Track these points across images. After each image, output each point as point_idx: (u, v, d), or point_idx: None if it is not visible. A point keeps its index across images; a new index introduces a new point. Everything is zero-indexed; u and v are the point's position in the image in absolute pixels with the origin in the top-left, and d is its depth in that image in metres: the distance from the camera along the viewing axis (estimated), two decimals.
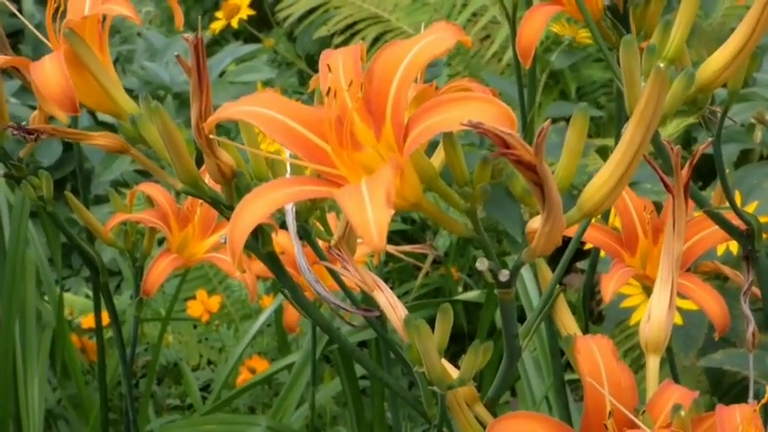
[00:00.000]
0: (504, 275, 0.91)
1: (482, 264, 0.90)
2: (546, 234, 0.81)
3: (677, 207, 1.05)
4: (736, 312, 2.23)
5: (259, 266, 1.72)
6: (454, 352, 1.05)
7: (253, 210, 0.79)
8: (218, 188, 1.08)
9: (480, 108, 0.76)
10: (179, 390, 2.87)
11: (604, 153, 2.99)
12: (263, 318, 2.44)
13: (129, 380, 1.74)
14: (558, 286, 1.06)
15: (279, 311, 2.55)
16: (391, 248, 1.93)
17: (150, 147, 1.11)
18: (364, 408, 2.39)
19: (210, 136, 0.93)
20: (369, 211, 0.73)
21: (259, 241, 1.12)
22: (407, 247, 1.99)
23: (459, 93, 0.78)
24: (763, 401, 0.88)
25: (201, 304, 2.71)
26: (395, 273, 3.28)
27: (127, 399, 1.77)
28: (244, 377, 2.54)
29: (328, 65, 0.86)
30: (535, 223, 0.83)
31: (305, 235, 1.17)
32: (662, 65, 0.78)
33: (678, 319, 1.80)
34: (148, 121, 1.06)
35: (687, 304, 1.82)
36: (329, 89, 0.84)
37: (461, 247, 3.39)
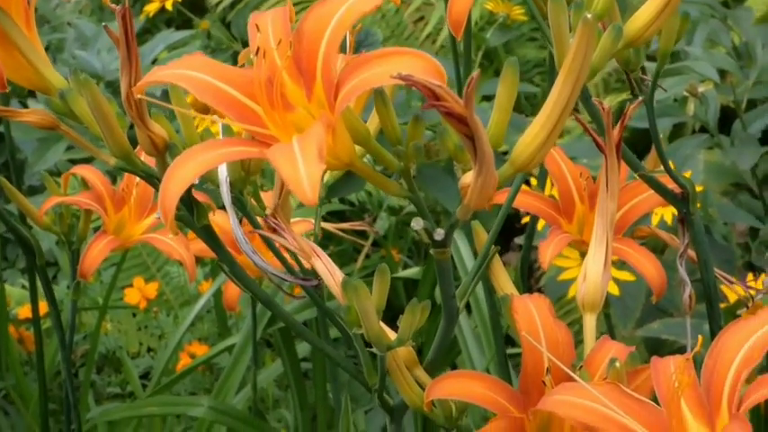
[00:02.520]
0: (438, 234, 0.91)
1: (417, 223, 0.90)
2: (479, 188, 0.81)
3: (610, 167, 1.06)
4: (673, 283, 2.26)
5: (198, 247, 1.71)
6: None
7: (184, 171, 0.79)
8: (152, 163, 1.07)
9: (409, 62, 0.76)
10: (119, 378, 2.85)
11: None
12: (201, 302, 2.43)
13: (68, 365, 1.72)
14: (493, 246, 1.07)
15: (218, 296, 2.54)
16: (330, 226, 1.93)
17: (81, 122, 1.10)
18: (306, 390, 2.39)
19: (140, 97, 0.91)
20: (300, 166, 0.73)
21: (194, 215, 1.12)
22: (346, 225, 1.99)
23: (388, 48, 0.77)
24: (695, 350, 0.89)
25: (139, 291, 2.69)
26: (335, 256, 3.28)
27: (66, 384, 1.75)
28: (184, 363, 2.52)
29: (257, 25, 0.86)
30: (468, 178, 0.83)
31: (240, 207, 1.17)
32: (589, 15, 0.79)
33: (615, 290, 1.82)
34: (78, 94, 1.05)
35: (624, 275, 1.84)
36: (258, 49, 0.84)
37: (400, 229, 3.40)
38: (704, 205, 2.27)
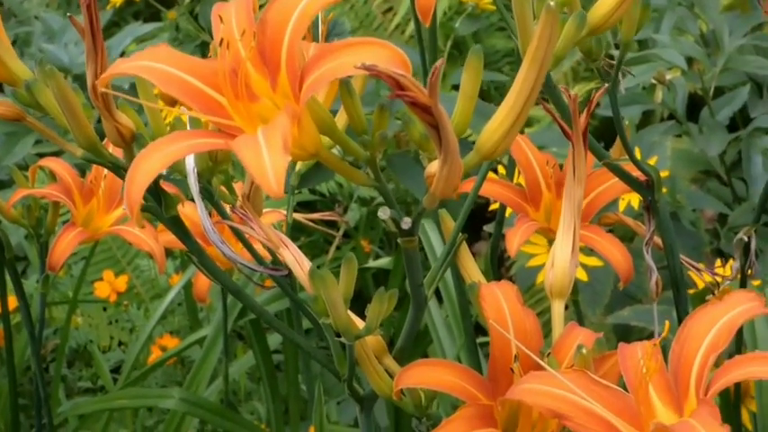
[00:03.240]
0: (406, 223, 0.91)
1: (384, 213, 0.90)
2: (444, 177, 0.81)
3: (576, 153, 1.06)
4: (641, 270, 2.27)
5: (167, 238, 1.71)
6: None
7: (149, 163, 0.78)
8: (120, 155, 1.07)
9: (374, 52, 0.76)
10: (90, 372, 2.84)
11: None
12: (172, 294, 2.42)
13: (38, 359, 1.72)
14: (460, 234, 1.07)
15: (188, 289, 2.53)
16: (300, 217, 1.93)
17: (47, 113, 1.10)
18: (279, 382, 2.39)
19: (106, 91, 0.91)
20: (265, 157, 0.73)
21: (162, 206, 1.12)
22: (316, 215, 1.99)
23: (353, 38, 0.77)
24: (663, 335, 0.90)
25: (109, 284, 2.68)
26: (306, 248, 3.27)
27: (37, 379, 1.74)
28: (155, 356, 2.52)
29: (220, 16, 0.86)
30: (433, 167, 0.83)
31: (208, 196, 1.17)
32: (552, 3, 0.79)
33: (583, 276, 1.83)
34: (44, 85, 1.05)
35: (592, 261, 1.85)
36: (222, 40, 0.83)
37: (371, 220, 3.40)
38: (672, 192, 2.28)
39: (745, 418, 2.06)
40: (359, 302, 1.07)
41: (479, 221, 3.11)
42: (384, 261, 2.57)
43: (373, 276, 2.92)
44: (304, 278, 1.03)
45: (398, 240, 0.93)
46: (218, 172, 1.11)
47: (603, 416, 0.86)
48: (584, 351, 0.91)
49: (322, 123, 0.85)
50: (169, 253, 2.98)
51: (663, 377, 0.89)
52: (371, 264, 2.63)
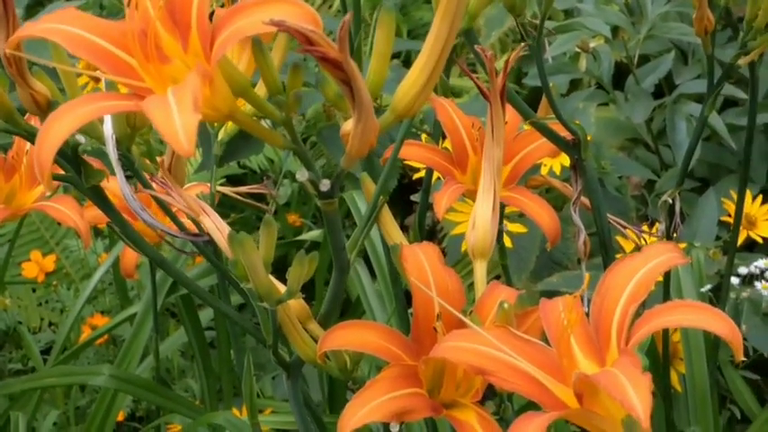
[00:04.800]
0: (324, 185, 0.91)
1: (302, 175, 0.90)
2: (359, 135, 0.81)
3: (495, 113, 1.06)
4: (567, 235, 2.29)
5: (92, 214, 1.69)
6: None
7: (60, 125, 0.77)
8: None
9: (284, 9, 0.76)
10: (20, 354, 2.81)
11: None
12: (100, 272, 2.40)
13: None
14: (381, 197, 1.07)
15: (117, 268, 2.51)
16: (226, 190, 1.92)
17: None
18: (212, 359, 2.38)
19: (19, 54, 0.90)
20: (175, 116, 0.72)
21: (83, 176, 1.10)
22: (243, 188, 1.98)
23: None
24: (583, 288, 0.90)
25: (36, 264, 2.65)
26: (237, 224, 3.25)
27: None
28: (86, 336, 2.49)
29: None
30: (348, 126, 0.83)
31: (128, 164, 1.15)
32: None
33: (508, 243, 1.83)
34: None
35: (517, 227, 1.86)
36: (130, 0, 0.82)
37: (303, 195, 3.39)
38: (597, 158, 2.30)
39: (675, 379, 2.09)
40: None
41: (411, 195, 3.11)
42: (315, 233, 2.57)
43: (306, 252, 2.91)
44: (224, 244, 1.02)
45: (318, 203, 0.93)
46: (138, 139, 1.09)
47: (526, 370, 0.86)
48: (505, 306, 0.91)
49: (235, 84, 0.84)
50: (98, 232, 2.95)
51: (584, 329, 0.89)
52: (302, 237, 2.62)
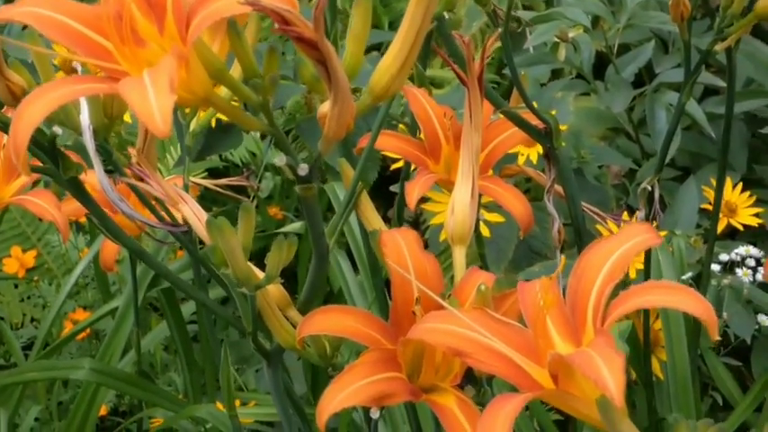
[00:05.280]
0: (302, 170, 0.91)
1: (280, 160, 0.90)
2: (336, 116, 0.81)
3: (473, 99, 1.06)
4: (545, 225, 2.29)
5: (70, 207, 1.68)
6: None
7: (34, 108, 0.77)
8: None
9: None
10: (2, 350, 2.80)
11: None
12: (80, 267, 2.39)
13: None
14: (360, 183, 1.07)
15: (98, 262, 2.50)
16: (206, 182, 1.92)
17: None
18: (194, 353, 2.37)
19: None
20: (151, 97, 0.72)
21: (60, 168, 1.10)
22: (224, 180, 1.98)
23: None
24: (558, 270, 0.91)
25: (17, 260, 2.64)
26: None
27: None
28: (68, 331, 2.49)
29: None
30: (325, 108, 0.83)
31: (105, 154, 1.15)
32: None
33: (486, 233, 1.84)
34: None
35: (495, 217, 1.86)
36: None
37: (287, 189, 3.39)
38: (576, 147, 2.30)
39: (656, 367, 2.10)
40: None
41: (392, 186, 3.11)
42: (297, 225, 2.57)
43: None
44: (202, 231, 1.02)
45: (296, 188, 0.93)
46: (112, 127, 1.09)
47: (502, 351, 0.86)
48: (483, 288, 0.91)
49: (211, 67, 0.84)
50: (80, 228, 2.95)
51: (561, 311, 0.90)
52: (283, 229, 2.62)
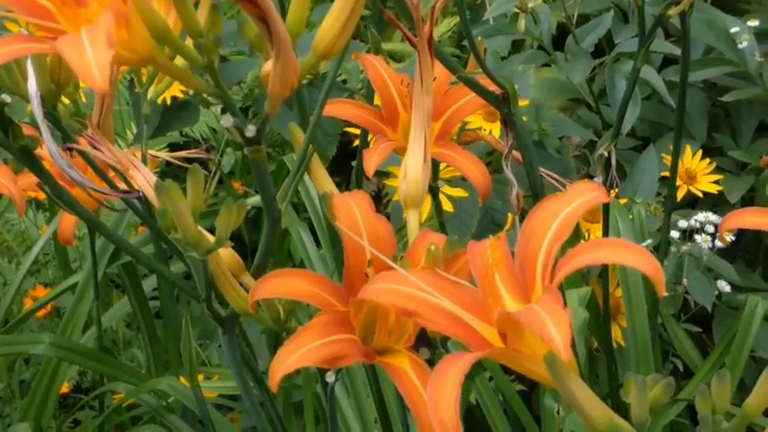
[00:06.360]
0: (250, 131, 0.90)
1: (227, 121, 0.89)
2: (279, 75, 0.81)
3: (423, 63, 1.06)
4: (506, 198, 2.29)
5: (26, 181, 1.67)
6: None
7: None
8: None
9: None
10: None
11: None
12: (40, 243, 2.38)
13: None
14: (311, 147, 1.06)
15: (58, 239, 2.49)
16: (163, 155, 1.91)
17: None
18: (157, 329, 2.37)
19: None
20: (88, 53, 0.71)
21: (10, 136, 1.09)
22: (182, 153, 1.97)
23: None
24: (506, 229, 0.91)
25: None
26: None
27: None
28: (28, 307, 2.47)
29: None
30: (268, 66, 0.82)
31: (54, 121, 1.14)
32: None
33: (449, 207, 1.84)
34: None
35: (457, 192, 1.86)
36: None
37: (247, 164, 3.38)
38: (537, 120, 2.30)
39: (617, 334, 2.11)
40: (238, 246, 1.07)
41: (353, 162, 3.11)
42: (257, 198, 2.56)
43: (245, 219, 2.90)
44: (154, 196, 1.01)
45: (245, 150, 0.92)
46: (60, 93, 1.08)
47: (451, 310, 0.86)
48: (432, 248, 0.91)
49: (154, 28, 0.83)
50: (39, 205, 2.93)
51: (510, 270, 0.90)
52: (246, 201, 2.61)
